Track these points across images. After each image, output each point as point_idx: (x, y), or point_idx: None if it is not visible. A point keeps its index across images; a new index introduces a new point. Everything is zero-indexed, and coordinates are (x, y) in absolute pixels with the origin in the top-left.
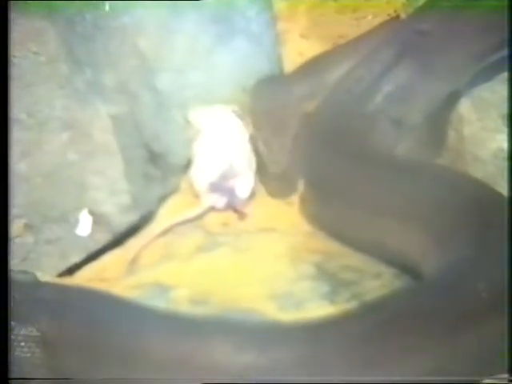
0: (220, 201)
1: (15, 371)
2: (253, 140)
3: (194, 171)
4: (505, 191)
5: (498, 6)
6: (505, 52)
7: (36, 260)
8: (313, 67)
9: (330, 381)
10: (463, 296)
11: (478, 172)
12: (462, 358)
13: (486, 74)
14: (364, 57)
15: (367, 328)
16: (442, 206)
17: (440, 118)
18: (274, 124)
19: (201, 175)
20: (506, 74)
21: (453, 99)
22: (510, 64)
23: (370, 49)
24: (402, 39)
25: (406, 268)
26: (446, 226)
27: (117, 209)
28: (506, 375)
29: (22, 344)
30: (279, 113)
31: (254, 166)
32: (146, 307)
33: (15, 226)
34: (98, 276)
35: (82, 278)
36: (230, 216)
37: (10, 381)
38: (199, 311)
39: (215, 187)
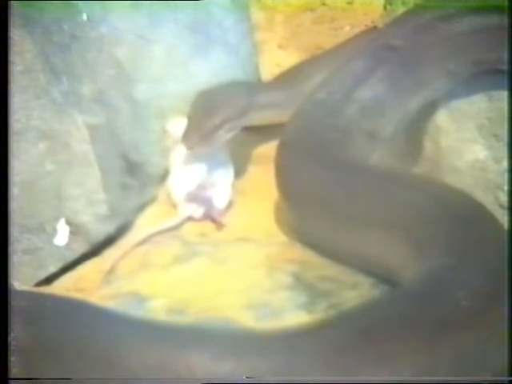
0: (197, 211)
1: None
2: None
3: (171, 181)
4: (482, 201)
5: (479, 22)
6: (481, 68)
7: (14, 270)
8: (289, 77)
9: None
10: (442, 304)
11: (454, 183)
12: (441, 367)
13: (463, 87)
14: (337, 69)
15: (345, 336)
16: (422, 216)
17: (416, 129)
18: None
19: (178, 185)
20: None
21: (430, 110)
22: (509, 78)
23: (345, 60)
24: (375, 52)
25: (384, 278)
26: (427, 235)
27: (94, 219)
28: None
29: None
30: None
31: (231, 176)
32: (123, 315)
33: None
34: (75, 286)
35: (60, 287)
36: (208, 226)
37: (9, 381)
38: (177, 321)
39: (193, 197)
